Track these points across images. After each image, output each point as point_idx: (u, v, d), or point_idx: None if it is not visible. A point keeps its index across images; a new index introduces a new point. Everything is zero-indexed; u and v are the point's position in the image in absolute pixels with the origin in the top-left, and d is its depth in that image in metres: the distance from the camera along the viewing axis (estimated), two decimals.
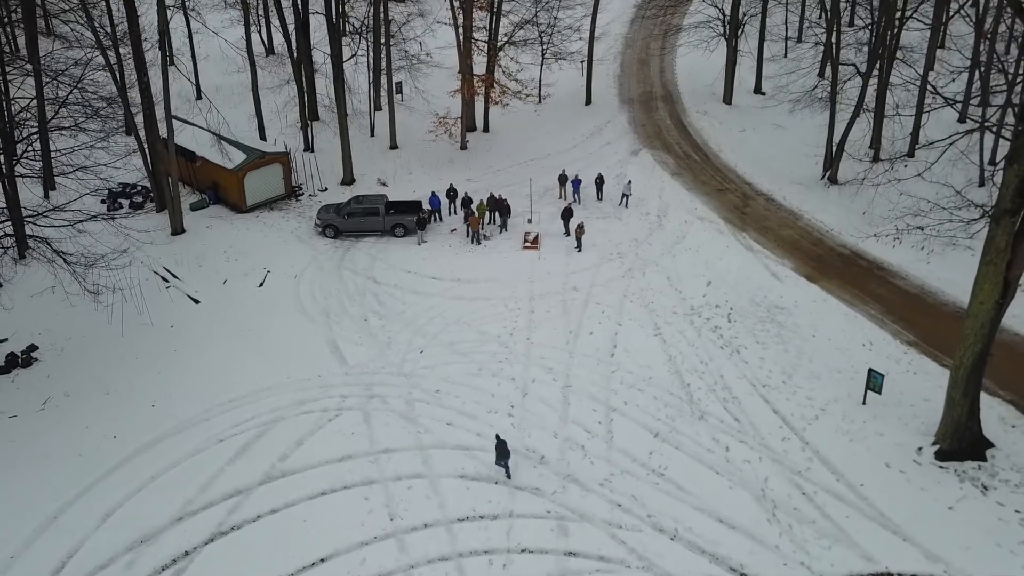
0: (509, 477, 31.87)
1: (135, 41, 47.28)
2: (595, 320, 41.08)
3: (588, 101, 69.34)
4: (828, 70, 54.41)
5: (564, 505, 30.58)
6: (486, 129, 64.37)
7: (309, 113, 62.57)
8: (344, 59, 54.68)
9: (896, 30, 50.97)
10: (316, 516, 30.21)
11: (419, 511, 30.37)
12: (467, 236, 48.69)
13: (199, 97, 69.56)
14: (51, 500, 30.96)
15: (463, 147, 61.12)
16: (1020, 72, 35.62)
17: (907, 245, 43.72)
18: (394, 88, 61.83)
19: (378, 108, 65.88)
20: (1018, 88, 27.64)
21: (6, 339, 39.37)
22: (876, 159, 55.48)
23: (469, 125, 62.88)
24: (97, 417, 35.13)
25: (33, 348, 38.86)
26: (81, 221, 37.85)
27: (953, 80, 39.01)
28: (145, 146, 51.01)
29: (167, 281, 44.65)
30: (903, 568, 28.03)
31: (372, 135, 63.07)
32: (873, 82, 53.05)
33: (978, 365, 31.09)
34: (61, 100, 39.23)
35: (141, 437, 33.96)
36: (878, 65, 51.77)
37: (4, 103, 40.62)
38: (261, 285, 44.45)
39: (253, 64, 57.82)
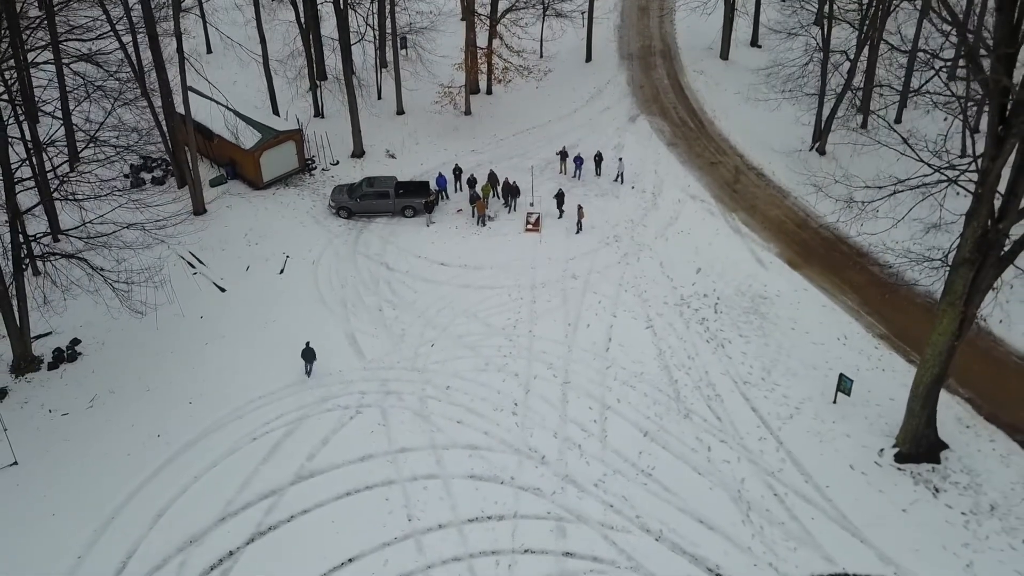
0: (308, 375, 40.17)
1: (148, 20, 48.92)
2: (592, 312, 44.37)
3: (588, 58, 71.18)
4: (819, 58, 56.24)
5: (563, 506, 34.42)
6: (489, 91, 66.47)
7: (317, 73, 64.62)
8: (352, 42, 56.68)
9: (884, 12, 53.03)
10: (342, 517, 34.04)
11: (434, 512, 34.22)
12: (473, 217, 51.52)
13: (209, 51, 71.28)
14: (106, 500, 34.81)
15: (467, 112, 63.36)
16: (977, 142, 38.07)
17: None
18: (398, 45, 63.75)
19: (384, 66, 67.79)
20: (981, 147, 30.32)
21: (50, 332, 42.75)
22: (863, 125, 58.24)
23: (473, 88, 64.96)
24: (141, 415, 38.79)
25: (76, 342, 42.31)
26: (115, 233, 40.48)
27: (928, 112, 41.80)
28: (163, 125, 53.27)
29: (193, 267, 47.79)
30: (859, 569, 31.97)
31: (379, 97, 65.27)
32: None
33: (936, 384, 34.64)
34: (91, 136, 41.26)
35: (182, 436, 37.68)
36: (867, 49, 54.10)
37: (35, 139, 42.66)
38: (281, 272, 47.63)
39: (264, 44, 59.61)
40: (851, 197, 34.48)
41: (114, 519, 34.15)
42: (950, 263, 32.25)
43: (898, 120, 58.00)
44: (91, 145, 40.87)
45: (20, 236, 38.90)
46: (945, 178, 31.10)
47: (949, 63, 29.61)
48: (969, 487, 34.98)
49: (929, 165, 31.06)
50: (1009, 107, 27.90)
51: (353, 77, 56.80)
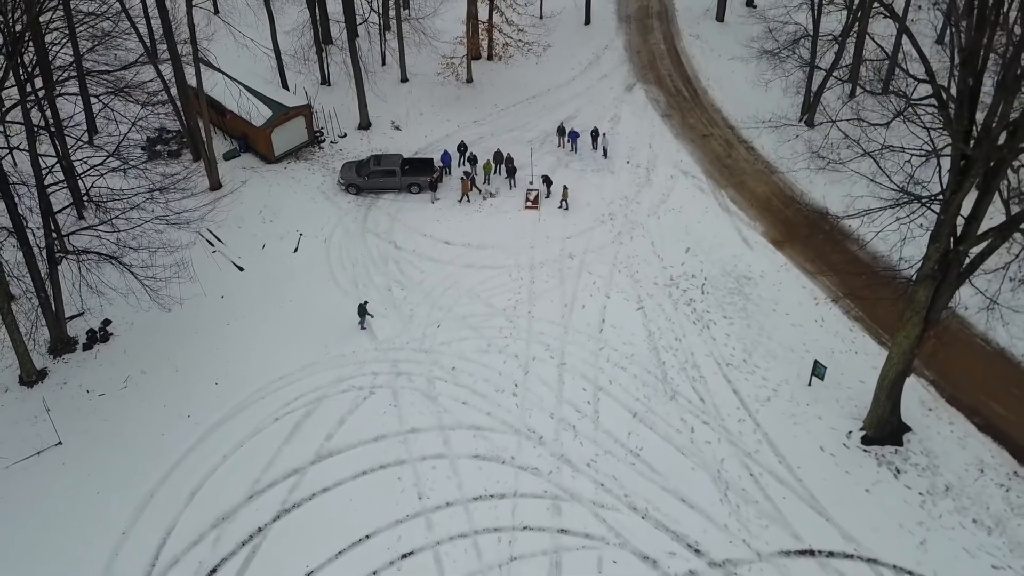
0: (362, 328, 44.47)
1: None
2: (587, 292, 47.39)
3: (587, 21, 72.95)
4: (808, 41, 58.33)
5: (558, 485, 37.91)
6: (490, 57, 68.41)
7: (323, 37, 66.45)
8: (357, 23, 58.68)
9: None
10: (359, 495, 37.50)
11: (442, 490, 37.70)
12: (459, 200, 54.18)
13: (216, 12, 72.69)
14: (145, 479, 38.30)
15: (468, 80, 65.46)
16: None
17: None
18: (400, 6, 65.53)
19: (387, 28, 69.56)
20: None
21: (82, 313, 45.79)
22: (851, 94, 60.59)
23: (474, 54, 66.90)
24: (171, 395, 42.11)
25: (108, 322, 45.42)
26: (139, 227, 43.17)
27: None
28: (177, 102, 55.48)
29: (212, 245, 50.62)
30: (823, 546, 35.57)
31: (383, 64, 67.26)
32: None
33: (900, 378, 37.99)
34: (112, 151, 43.49)
35: (210, 416, 41.05)
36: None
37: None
38: (296, 250, 50.51)
39: (272, 20, 61.44)
40: (826, 211, 37.26)
41: (153, 497, 37.69)
42: (915, 278, 35.31)
43: (885, 90, 60.27)
44: (113, 157, 43.21)
45: (53, 233, 41.77)
46: (919, 203, 33.88)
47: (920, 103, 32.16)
48: (927, 468, 38.43)
49: (905, 191, 33.82)
50: (969, 151, 30.64)
51: (357, 44, 58.63)
